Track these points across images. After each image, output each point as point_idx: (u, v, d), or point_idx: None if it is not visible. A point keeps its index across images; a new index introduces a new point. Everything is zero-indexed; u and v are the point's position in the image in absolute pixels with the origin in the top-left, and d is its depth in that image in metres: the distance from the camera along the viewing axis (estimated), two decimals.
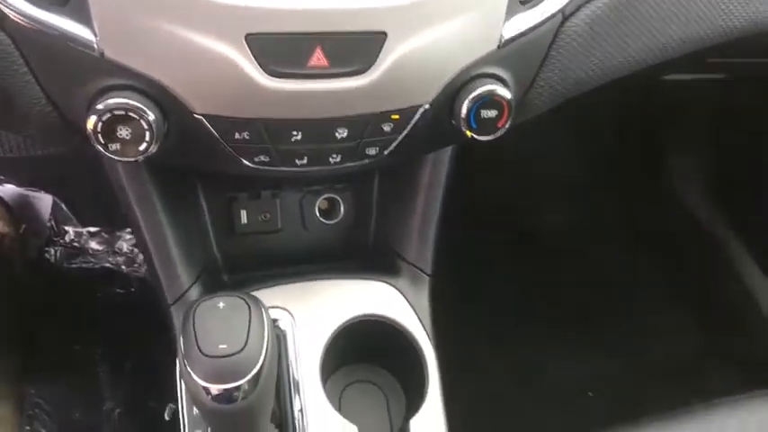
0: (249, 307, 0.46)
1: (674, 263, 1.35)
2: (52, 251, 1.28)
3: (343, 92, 0.48)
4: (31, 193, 1.25)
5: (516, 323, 1.23)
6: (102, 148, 0.47)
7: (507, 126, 0.53)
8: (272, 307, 0.60)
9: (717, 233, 1.33)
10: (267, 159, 0.52)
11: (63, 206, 1.29)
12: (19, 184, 1.23)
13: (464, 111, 0.51)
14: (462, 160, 0.70)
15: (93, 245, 1.30)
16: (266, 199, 0.70)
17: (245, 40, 0.45)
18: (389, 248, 0.70)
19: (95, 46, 0.45)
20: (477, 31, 0.50)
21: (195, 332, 0.45)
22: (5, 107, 0.50)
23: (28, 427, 1.07)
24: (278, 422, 0.59)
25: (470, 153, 0.70)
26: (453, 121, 0.52)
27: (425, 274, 0.68)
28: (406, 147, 0.54)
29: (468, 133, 0.52)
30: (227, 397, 0.45)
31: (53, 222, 1.29)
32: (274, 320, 0.53)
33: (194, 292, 0.65)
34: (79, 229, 1.30)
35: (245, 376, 0.44)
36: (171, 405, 1.08)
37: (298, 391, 0.61)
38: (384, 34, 0.47)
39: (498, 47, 0.51)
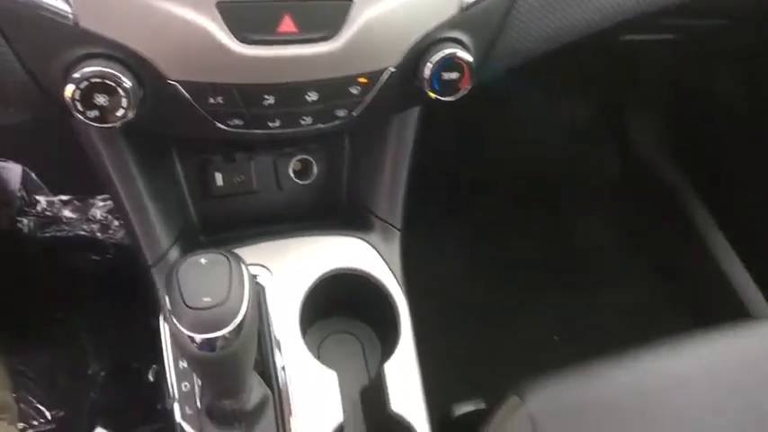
0: (230, 262, 0.49)
1: (631, 211, 1.41)
2: (25, 221, 1.28)
3: (312, 57, 0.51)
4: None
5: (483, 273, 1.28)
6: (80, 116, 0.49)
7: (469, 87, 0.56)
8: (250, 264, 0.63)
9: (671, 183, 1.39)
10: (241, 123, 0.54)
11: (33, 175, 1.28)
12: None
13: (427, 73, 0.54)
14: (429, 121, 0.73)
15: (67, 213, 1.30)
16: (241, 161, 0.72)
17: (217, 7, 0.47)
18: (362, 206, 0.73)
19: (70, 16, 0.47)
20: None
21: (180, 287, 0.47)
22: None
23: (14, 395, 1.09)
24: (260, 370, 0.63)
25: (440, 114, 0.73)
26: (417, 83, 0.55)
27: (396, 228, 0.72)
28: (374, 108, 0.57)
29: (432, 95, 0.55)
30: (211, 345, 0.47)
31: (24, 192, 1.28)
32: (253, 276, 0.56)
33: (174, 254, 0.68)
34: (51, 198, 1.30)
35: (228, 326, 0.47)
36: (154, 366, 1.12)
37: (278, 342, 0.65)
38: (350, 0, 0.49)
39: (460, 11, 0.54)
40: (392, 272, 0.70)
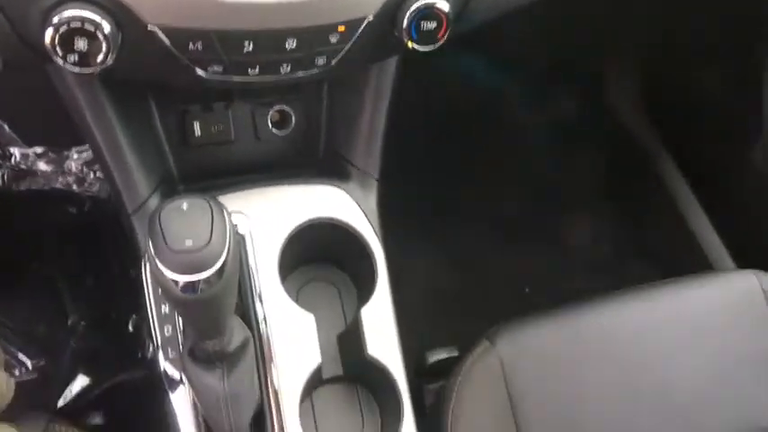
0: (211, 207, 0.50)
1: (605, 168, 1.44)
2: None
3: (291, 4, 0.51)
4: None
5: (456, 225, 1.31)
6: (60, 61, 0.49)
7: (446, 37, 0.57)
8: (231, 213, 0.64)
9: (645, 144, 1.42)
10: (220, 69, 0.55)
11: (6, 127, 1.26)
12: None
13: (405, 22, 0.55)
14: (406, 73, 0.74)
15: (42, 166, 1.29)
16: (219, 111, 0.72)
17: None
18: (339, 155, 0.74)
19: None
20: None
21: (162, 230, 0.48)
22: None
23: None
24: (241, 313, 0.65)
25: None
26: (396, 33, 0.56)
27: (373, 178, 0.73)
28: (353, 57, 0.58)
29: (410, 44, 0.56)
30: (194, 288, 0.49)
31: None
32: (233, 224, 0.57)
33: (153, 202, 0.69)
34: (25, 151, 1.28)
35: (210, 268, 0.48)
36: (134, 316, 1.13)
37: (258, 286, 0.67)
38: None
39: None
40: (369, 220, 0.72)
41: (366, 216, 0.72)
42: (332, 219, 0.71)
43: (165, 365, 0.66)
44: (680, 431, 0.79)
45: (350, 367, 0.73)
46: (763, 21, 1.09)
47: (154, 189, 0.69)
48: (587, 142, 1.46)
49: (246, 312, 0.66)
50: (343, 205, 0.72)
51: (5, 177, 1.27)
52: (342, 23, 0.55)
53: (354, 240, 0.71)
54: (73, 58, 0.49)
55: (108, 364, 1.08)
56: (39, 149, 1.28)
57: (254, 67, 0.56)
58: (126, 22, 0.50)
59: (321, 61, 0.57)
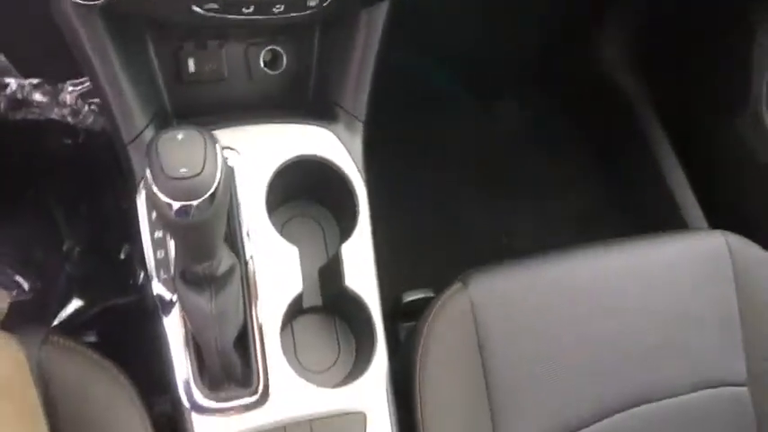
0: (205, 139, 0.53)
1: (591, 124, 1.46)
2: None
3: None
4: None
5: (442, 169, 1.34)
6: None
7: None
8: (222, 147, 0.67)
9: (633, 102, 1.44)
10: (216, 6, 0.57)
11: (2, 57, 1.27)
12: None
13: None
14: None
15: (37, 97, 1.30)
16: (212, 49, 0.75)
17: None
18: (328, 98, 0.76)
19: None
20: None
21: (159, 158, 0.51)
22: None
23: None
24: (229, 242, 0.69)
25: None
26: None
27: (359, 120, 0.76)
28: None
29: None
30: (187, 212, 0.52)
31: None
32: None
33: (149, 133, 0.71)
34: (21, 81, 1.29)
35: (202, 195, 0.52)
36: (126, 245, 1.18)
37: (245, 217, 0.71)
38: None
39: None
40: (354, 160, 0.75)
41: (351, 156, 0.75)
42: (318, 157, 0.74)
43: (157, 288, 0.70)
44: (637, 379, 0.83)
45: (329, 299, 0.77)
46: None
47: (149, 121, 0.72)
48: (575, 97, 1.48)
49: (234, 242, 0.70)
50: (329, 145, 0.75)
51: (1, 106, 1.29)
52: None
53: (339, 179, 0.75)
54: None
55: (101, 289, 1.13)
56: (34, 80, 1.29)
57: (249, 7, 0.58)
58: None
59: (314, 2, 0.59)
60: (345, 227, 0.76)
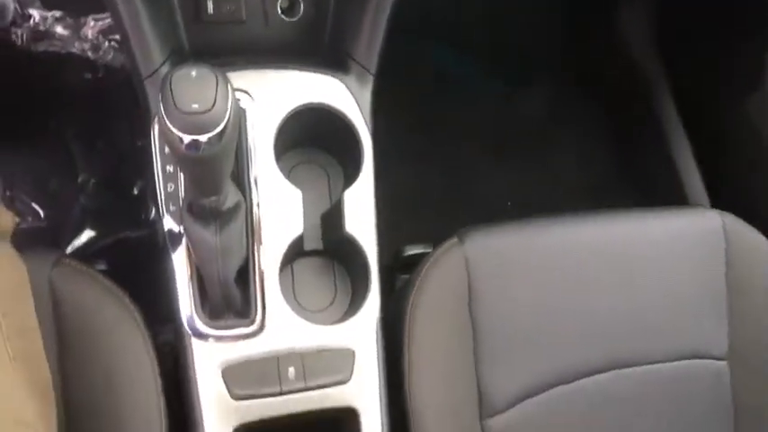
0: (217, 77, 0.54)
1: (606, 103, 1.47)
2: (18, 32, 1.30)
3: None
4: None
5: (448, 137, 1.36)
6: None
7: None
8: (234, 88, 0.69)
9: (652, 82, 1.43)
10: None
11: None
12: None
13: None
14: None
15: (59, 29, 1.32)
16: None
17: None
18: (342, 49, 0.78)
19: None
20: None
21: (172, 93, 0.53)
22: None
23: (8, 193, 1.19)
24: (237, 181, 0.72)
25: None
26: None
27: (370, 73, 0.78)
28: None
29: None
30: (196, 146, 0.54)
31: (17, 4, 1.29)
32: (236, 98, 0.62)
33: (165, 69, 0.73)
34: (44, 13, 1.31)
35: (211, 131, 0.53)
36: (139, 181, 1.21)
37: (254, 158, 0.73)
38: None
39: None
40: (362, 111, 0.77)
41: (360, 107, 0.77)
42: (328, 106, 0.76)
43: (167, 223, 0.73)
44: (619, 344, 0.86)
45: (329, 243, 0.80)
46: None
47: (166, 58, 0.73)
48: (595, 76, 1.47)
49: (241, 182, 0.73)
50: (340, 95, 0.77)
51: (24, 37, 1.31)
52: None
53: (346, 128, 0.77)
54: None
55: (113, 222, 1.17)
56: (57, 13, 1.31)
57: None
58: None
59: None
60: (350, 175, 0.79)
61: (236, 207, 0.67)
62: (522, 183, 1.38)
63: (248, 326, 0.72)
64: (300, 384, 0.72)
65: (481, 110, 1.42)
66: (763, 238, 0.93)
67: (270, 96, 0.75)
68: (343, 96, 0.77)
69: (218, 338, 0.72)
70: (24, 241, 0.78)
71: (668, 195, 1.34)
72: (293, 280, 0.80)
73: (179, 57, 0.76)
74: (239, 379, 0.71)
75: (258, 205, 0.73)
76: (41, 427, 0.67)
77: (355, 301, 0.78)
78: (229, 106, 0.55)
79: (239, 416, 0.72)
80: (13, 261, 0.73)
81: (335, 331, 0.75)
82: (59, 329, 0.73)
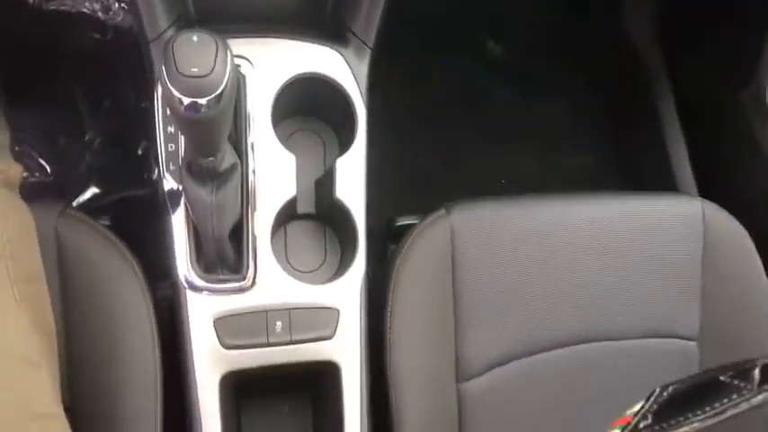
0: (217, 43, 0.57)
1: (606, 92, 1.48)
2: None
3: None
4: None
5: (446, 116, 1.38)
6: None
7: None
8: (235, 55, 0.71)
9: (651, 74, 1.44)
10: None
11: None
12: None
13: None
14: None
15: None
16: None
17: None
18: (342, 22, 0.81)
19: None
20: None
21: (174, 56, 0.56)
22: None
23: (18, 148, 1.22)
24: (234, 144, 0.75)
25: None
26: None
27: (368, 47, 0.80)
28: None
29: None
30: (195, 108, 0.56)
31: None
32: (236, 64, 0.65)
33: (170, 33, 0.76)
34: None
35: (210, 94, 0.56)
36: (144, 142, 1.25)
37: (251, 123, 0.76)
38: None
39: None
40: (358, 84, 0.79)
41: (356, 80, 0.79)
42: (325, 76, 0.79)
43: (167, 183, 0.76)
44: (592, 318, 0.90)
45: (321, 208, 0.84)
46: None
47: (171, 23, 0.76)
48: (597, 65, 1.49)
49: (239, 146, 0.76)
50: (337, 67, 0.79)
51: None
52: None
53: (342, 98, 0.80)
54: None
55: (117, 180, 1.21)
56: None
57: None
58: None
59: None
60: (344, 143, 0.82)
61: (232, 168, 0.70)
62: (515, 161, 1.41)
63: (240, 281, 0.76)
64: (286, 338, 0.76)
65: (478, 91, 1.44)
66: (741, 226, 0.96)
67: (270, 64, 0.78)
68: (340, 68, 0.80)
69: (212, 291, 0.76)
70: (31, 195, 0.81)
71: (659, 185, 1.36)
72: (286, 241, 0.83)
73: (184, 22, 0.78)
74: (229, 330, 0.76)
75: (254, 168, 0.77)
76: (44, 366, 0.71)
77: (343, 264, 0.82)
78: (228, 71, 0.57)
79: (228, 364, 0.76)
80: (21, 210, 0.77)
81: (322, 291, 0.79)
82: (63, 277, 0.77)
